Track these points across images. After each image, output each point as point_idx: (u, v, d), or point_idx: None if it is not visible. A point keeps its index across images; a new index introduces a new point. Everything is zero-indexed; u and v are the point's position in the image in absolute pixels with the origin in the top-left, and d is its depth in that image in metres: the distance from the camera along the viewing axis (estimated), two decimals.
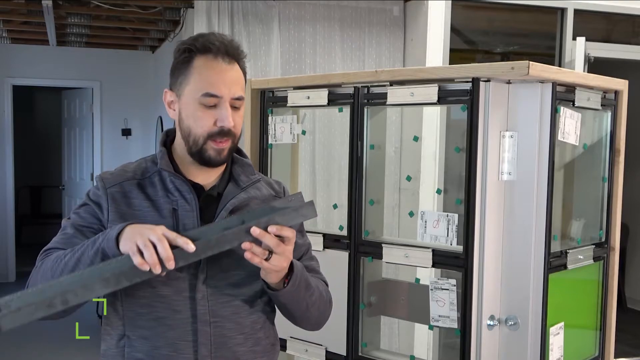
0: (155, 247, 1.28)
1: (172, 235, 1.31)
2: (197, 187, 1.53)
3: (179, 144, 1.55)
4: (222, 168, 1.58)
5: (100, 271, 1.30)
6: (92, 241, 1.40)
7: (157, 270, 1.28)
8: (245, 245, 1.35)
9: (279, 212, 1.37)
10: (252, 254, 1.36)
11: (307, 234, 2.55)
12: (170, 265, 1.29)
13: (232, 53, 1.50)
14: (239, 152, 1.64)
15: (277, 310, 1.63)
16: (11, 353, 5.09)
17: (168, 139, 1.60)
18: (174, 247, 1.30)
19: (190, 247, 1.30)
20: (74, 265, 1.39)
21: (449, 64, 4.09)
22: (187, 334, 1.46)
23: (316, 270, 1.70)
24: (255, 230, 1.33)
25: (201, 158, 1.50)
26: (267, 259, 1.37)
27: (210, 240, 1.33)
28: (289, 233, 1.37)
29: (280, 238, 1.37)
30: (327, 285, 1.72)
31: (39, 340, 5.19)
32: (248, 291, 1.52)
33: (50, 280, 1.34)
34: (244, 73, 1.55)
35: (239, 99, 1.50)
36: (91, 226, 1.51)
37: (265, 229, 1.35)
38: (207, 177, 1.56)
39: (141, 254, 1.28)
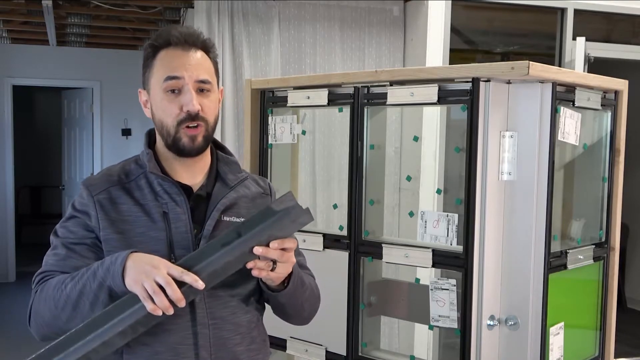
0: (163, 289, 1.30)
1: (178, 272, 1.32)
2: (185, 188, 1.52)
3: (159, 142, 1.54)
4: (207, 166, 1.57)
5: (116, 323, 1.32)
6: (92, 273, 1.39)
7: (170, 312, 1.30)
8: (249, 264, 1.37)
9: (276, 224, 1.36)
10: (259, 270, 1.38)
11: (307, 234, 2.56)
12: (182, 304, 1.31)
13: (191, 42, 1.50)
14: (223, 149, 1.63)
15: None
16: (17, 350, 5.09)
17: (151, 139, 1.59)
18: (181, 283, 1.31)
19: (200, 284, 1.32)
20: (76, 298, 1.39)
21: (449, 64, 4.09)
22: (187, 337, 1.46)
23: (305, 266, 1.71)
24: (258, 250, 1.35)
25: (177, 148, 1.49)
26: (272, 270, 1.39)
27: (217, 269, 1.35)
28: (292, 244, 1.39)
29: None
30: (314, 279, 1.73)
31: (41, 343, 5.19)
32: (242, 291, 1.52)
33: (69, 339, 1.33)
34: (215, 63, 1.54)
35: (204, 82, 1.49)
36: (83, 241, 1.49)
37: (267, 244, 1.35)
38: (194, 177, 1.55)
39: (151, 298, 1.29)
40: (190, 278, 1.31)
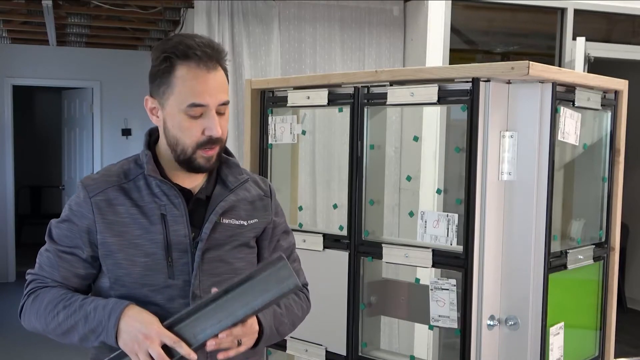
0: None
1: (170, 342, 1.34)
2: (184, 191, 1.52)
3: (164, 147, 1.52)
4: None
5: None
6: (84, 316, 1.43)
7: None
8: (210, 346, 1.36)
9: (259, 285, 1.36)
10: (226, 353, 1.38)
11: (307, 234, 2.56)
12: None
13: (214, 57, 1.45)
14: (226, 151, 1.62)
15: None
16: (16, 351, 5.09)
17: (151, 139, 1.57)
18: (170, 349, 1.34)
19: (193, 356, 1.34)
20: (67, 329, 1.45)
21: (449, 64, 4.08)
22: None
23: (297, 274, 1.69)
24: (212, 343, 1.35)
25: (190, 166, 1.48)
26: (239, 344, 1.40)
27: (206, 338, 1.36)
28: (239, 332, 1.38)
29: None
30: (306, 287, 1.72)
31: (44, 339, 5.19)
32: None
33: None
34: (226, 73, 1.51)
35: (224, 104, 1.47)
36: (74, 252, 1.51)
37: (246, 318, 1.37)
38: (195, 179, 1.54)
39: None
40: (184, 351, 1.34)
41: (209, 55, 1.44)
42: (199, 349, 1.36)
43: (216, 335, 1.35)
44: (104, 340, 1.40)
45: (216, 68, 1.45)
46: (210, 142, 1.46)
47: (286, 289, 1.37)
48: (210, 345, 1.35)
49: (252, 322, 1.42)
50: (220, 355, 1.38)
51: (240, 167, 1.61)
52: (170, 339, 1.34)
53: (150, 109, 1.52)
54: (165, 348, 1.34)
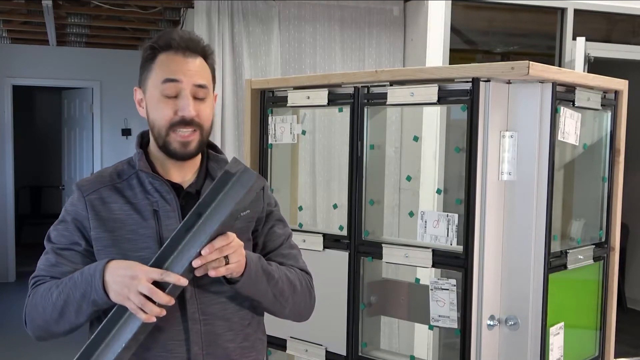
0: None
1: (158, 274, 1.35)
2: (175, 187, 1.54)
3: (152, 143, 1.56)
4: (197, 164, 1.59)
5: (116, 339, 1.38)
6: (73, 284, 1.44)
7: (163, 314, 1.35)
8: (196, 262, 1.36)
9: (230, 197, 1.37)
10: (215, 269, 1.38)
11: (307, 234, 2.57)
12: (171, 303, 1.35)
13: (193, 48, 1.50)
14: (214, 148, 1.64)
15: None
16: (16, 351, 5.09)
17: (143, 140, 1.61)
18: (161, 283, 1.35)
19: (183, 281, 1.35)
20: (62, 307, 1.45)
21: (449, 64, 4.08)
22: (178, 333, 1.47)
23: (296, 259, 1.69)
24: (197, 262, 1.35)
25: (167, 151, 1.50)
26: (227, 263, 1.39)
27: (190, 257, 1.36)
28: (223, 242, 1.37)
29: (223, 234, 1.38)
30: (307, 273, 1.70)
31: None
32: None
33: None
34: (212, 69, 1.55)
35: (201, 86, 1.50)
36: (71, 247, 1.53)
37: (223, 227, 1.37)
38: (184, 175, 1.57)
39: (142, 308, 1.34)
40: (172, 278, 1.34)
41: (187, 45, 1.50)
42: (188, 275, 1.36)
43: (199, 254, 1.35)
44: (96, 301, 1.40)
45: (195, 57, 1.51)
46: (183, 122, 1.47)
47: (249, 183, 1.38)
48: (196, 263, 1.35)
49: (234, 237, 1.40)
50: (212, 272, 1.38)
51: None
52: (156, 272, 1.35)
53: (137, 101, 1.57)
54: (156, 285, 1.34)
